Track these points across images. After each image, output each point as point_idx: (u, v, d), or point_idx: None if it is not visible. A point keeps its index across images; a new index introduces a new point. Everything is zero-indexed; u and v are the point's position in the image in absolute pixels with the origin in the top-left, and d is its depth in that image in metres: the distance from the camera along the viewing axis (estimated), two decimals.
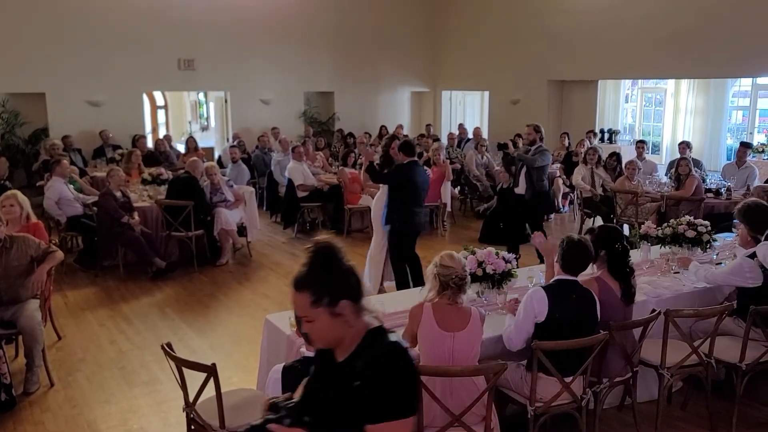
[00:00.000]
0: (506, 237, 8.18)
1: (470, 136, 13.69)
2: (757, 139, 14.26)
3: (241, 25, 13.63)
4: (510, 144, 8.31)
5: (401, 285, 6.22)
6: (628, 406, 4.18)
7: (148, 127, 15.27)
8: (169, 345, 3.36)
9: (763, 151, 11.81)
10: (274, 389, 2.82)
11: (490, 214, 9.64)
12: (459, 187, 11.55)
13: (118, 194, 7.50)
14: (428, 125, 15.16)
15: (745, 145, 9.38)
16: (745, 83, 15.73)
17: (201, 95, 17.63)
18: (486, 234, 9.39)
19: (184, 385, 3.37)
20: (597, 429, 3.86)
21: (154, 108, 17.77)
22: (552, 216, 11.03)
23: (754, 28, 10.45)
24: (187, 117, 18.58)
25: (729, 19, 10.77)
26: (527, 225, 7.62)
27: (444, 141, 13.38)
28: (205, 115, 18.24)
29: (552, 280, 3.72)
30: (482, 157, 11.47)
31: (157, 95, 17.79)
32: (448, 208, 10.30)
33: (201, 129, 17.86)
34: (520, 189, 7.78)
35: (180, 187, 7.79)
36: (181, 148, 12.93)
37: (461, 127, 14.42)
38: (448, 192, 10.02)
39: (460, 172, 11.35)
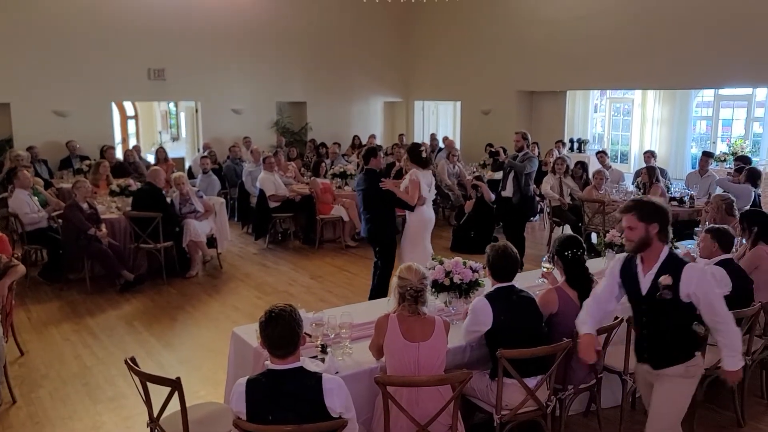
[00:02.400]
0: (478, 246, 8.27)
1: (441, 145, 13.79)
2: (720, 148, 14.64)
3: (212, 34, 13.57)
4: (501, 151, 8.59)
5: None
6: (594, 412, 4.24)
7: (118, 138, 15.07)
8: (132, 359, 3.33)
9: (725, 160, 12.11)
10: (237, 402, 2.80)
11: (462, 224, 9.71)
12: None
13: (85, 206, 7.38)
14: (401, 135, 15.24)
15: (707, 155, 9.62)
16: (708, 94, 16.16)
17: (172, 105, 17.47)
18: (457, 243, 9.47)
19: (148, 400, 3.33)
20: None
21: (124, 118, 17.56)
22: (536, 218, 11.23)
23: (716, 42, 10.74)
24: (157, 127, 18.40)
25: (693, 33, 11.06)
26: (512, 228, 8.23)
27: None
28: (176, 125, 18.08)
29: (491, 289, 3.79)
30: (454, 167, 11.56)
31: (127, 105, 17.58)
32: None
33: (172, 139, 17.70)
34: (507, 192, 8.20)
35: (143, 199, 7.70)
36: (151, 158, 12.79)
37: (433, 137, 14.52)
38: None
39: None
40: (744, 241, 5.01)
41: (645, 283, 3.25)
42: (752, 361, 4.35)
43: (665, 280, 3.14)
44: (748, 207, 6.67)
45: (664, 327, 3.26)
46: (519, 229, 8.28)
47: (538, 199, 11.20)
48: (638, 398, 4.59)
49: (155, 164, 11.02)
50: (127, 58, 12.65)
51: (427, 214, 6.56)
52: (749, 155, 12.52)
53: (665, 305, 3.19)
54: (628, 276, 3.34)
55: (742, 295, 4.31)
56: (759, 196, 8.16)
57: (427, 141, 14.35)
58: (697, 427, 4.15)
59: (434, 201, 11.42)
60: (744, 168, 8.26)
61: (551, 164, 10.07)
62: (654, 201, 3.30)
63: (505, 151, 9.00)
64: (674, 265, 3.18)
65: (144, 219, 7.55)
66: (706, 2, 10.88)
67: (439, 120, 17.94)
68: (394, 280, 3.57)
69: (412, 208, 6.37)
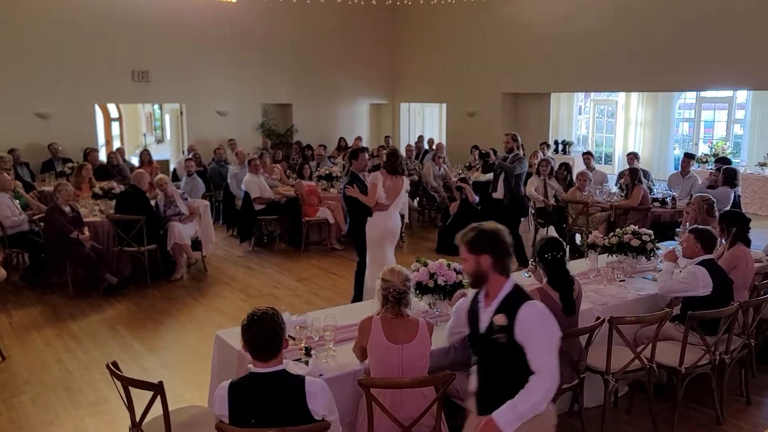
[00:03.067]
0: None
1: (428, 147, 13.83)
2: (702, 150, 14.82)
3: (197, 36, 13.52)
4: (491, 153, 8.68)
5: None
6: (577, 412, 4.26)
7: (102, 140, 14.97)
8: (114, 364, 3.31)
9: (706, 162, 12.25)
10: (220, 406, 2.80)
11: (447, 225, 9.74)
12: (417, 199, 11.66)
13: (67, 209, 7.32)
14: (387, 137, 15.25)
15: (689, 156, 9.71)
16: (690, 96, 16.36)
17: (156, 107, 17.37)
18: (443, 245, 9.49)
19: (130, 405, 3.31)
20: None
21: (108, 120, 17.44)
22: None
23: (698, 46, 10.89)
24: (141, 129, 18.29)
25: (675, 36, 11.20)
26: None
27: (402, 153, 13.46)
28: (161, 128, 17.97)
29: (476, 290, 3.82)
30: (439, 169, 11.59)
31: (111, 107, 17.47)
32: (406, 220, 10.37)
33: (156, 141, 17.60)
34: (498, 194, 8.24)
35: (127, 202, 7.65)
36: (135, 161, 12.70)
37: (420, 139, 14.54)
38: (406, 203, 10.07)
39: (418, 184, 11.45)
40: (723, 241, 5.08)
41: (484, 321, 2.86)
42: (731, 359, 4.41)
43: (499, 320, 2.77)
44: (728, 208, 6.76)
45: (500, 374, 2.84)
46: (513, 229, 8.30)
47: None
48: (620, 398, 4.66)
49: (139, 167, 10.95)
50: (110, 60, 12.56)
51: (385, 222, 6.19)
52: (730, 157, 12.71)
53: (500, 348, 2.78)
54: (472, 311, 2.98)
55: (722, 294, 4.37)
56: (739, 197, 8.27)
57: (414, 143, 14.36)
58: (678, 425, 4.20)
59: (420, 202, 11.65)
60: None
61: (536, 166, 10.14)
62: (489, 229, 2.87)
63: (495, 152, 9.10)
64: (513, 304, 2.78)
65: (128, 222, 7.50)
66: (688, 6, 11.02)
67: (425, 122, 18.00)
68: (378, 283, 3.58)
69: (369, 212, 6.20)
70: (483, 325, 2.86)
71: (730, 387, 4.60)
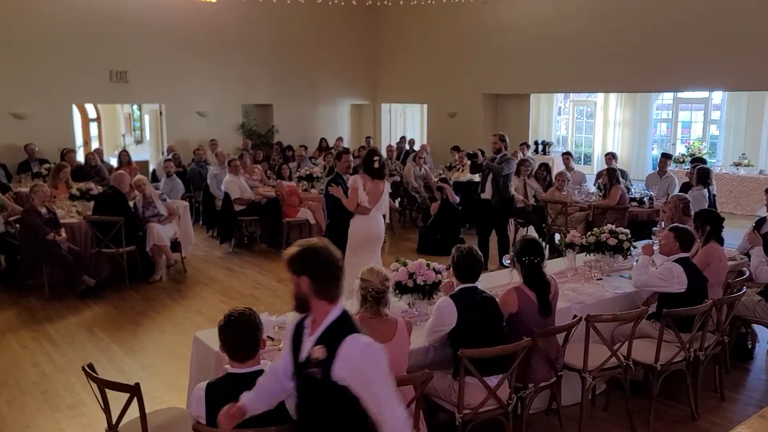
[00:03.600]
0: (444, 247, 8.33)
1: (408, 148, 13.87)
2: (680, 150, 15.04)
3: (176, 36, 13.41)
4: (479, 153, 8.73)
5: None
6: (555, 410, 4.30)
7: (79, 141, 14.79)
8: (90, 366, 3.28)
9: (683, 162, 12.42)
10: (197, 407, 2.79)
11: (428, 226, 9.78)
12: (398, 199, 11.68)
13: (43, 210, 7.23)
14: (368, 138, 15.27)
15: (666, 156, 9.85)
16: (668, 97, 16.59)
17: (135, 107, 17.21)
18: (424, 245, 9.53)
19: (106, 407, 3.28)
20: None
21: (86, 121, 17.24)
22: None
23: (675, 46, 11.04)
24: (120, 130, 18.10)
25: (652, 37, 11.35)
26: (495, 228, 8.25)
27: (383, 153, 13.49)
28: (140, 128, 17.81)
29: (456, 289, 3.85)
30: (420, 169, 11.63)
31: (89, 108, 17.27)
32: (387, 220, 10.37)
33: (135, 142, 17.42)
34: (487, 194, 8.23)
35: (107, 203, 7.57)
36: (114, 162, 12.57)
37: (402, 140, 14.57)
38: (387, 204, 10.08)
39: (399, 185, 11.47)
40: (698, 239, 5.16)
41: (305, 350, 2.49)
42: (705, 356, 4.48)
43: (316, 352, 2.41)
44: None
45: (315, 414, 2.49)
46: (501, 229, 8.38)
47: None
48: (598, 395, 4.72)
49: (118, 167, 10.85)
50: (88, 60, 12.41)
51: (368, 225, 6.06)
52: (706, 157, 12.91)
53: (314, 385, 2.43)
54: (296, 335, 2.59)
55: (697, 292, 4.44)
56: (714, 196, 8.40)
57: (401, 144, 14.38)
58: (653, 421, 4.26)
59: (401, 203, 11.67)
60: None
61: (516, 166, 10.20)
62: (310, 247, 2.49)
63: (483, 153, 9.15)
64: (335, 335, 2.40)
65: (106, 223, 7.42)
66: (665, 8, 11.17)
67: (406, 122, 18.04)
68: (356, 282, 3.59)
69: (351, 214, 6.14)
70: (303, 354, 2.49)
71: (704, 383, 4.67)
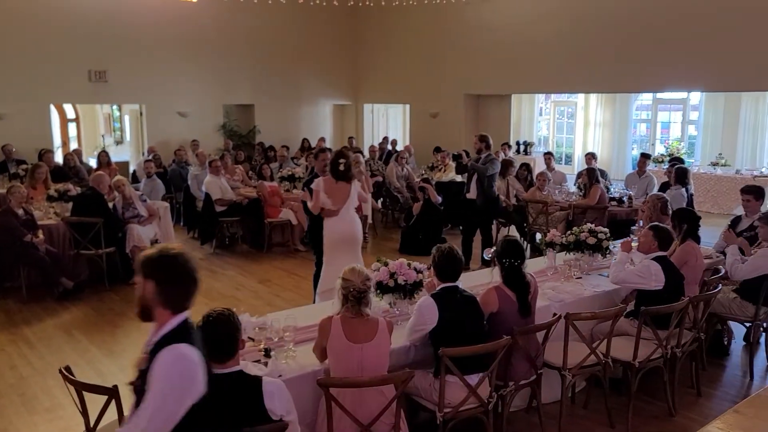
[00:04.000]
0: (426, 247, 8.36)
1: (391, 148, 13.87)
2: (659, 150, 15.22)
3: (156, 36, 13.30)
4: (463, 154, 8.80)
5: None
6: (535, 408, 4.34)
7: (58, 141, 14.60)
8: (67, 368, 3.24)
9: (662, 161, 12.58)
10: None
11: (411, 226, 9.80)
12: (380, 200, 11.69)
13: (20, 212, 7.14)
14: (350, 138, 15.26)
15: (645, 156, 9.97)
16: (647, 98, 16.80)
17: (115, 108, 17.03)
18: (406, 245, 9.55)
19: (84, 410, 3.25)
20: (504, 431, 4.00)
21: (64, 121, 17.03)
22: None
23: (653, 48, 11.18)
24: (100, 130, 17.90)
25: (631, 38, 11.48)
26: (480, 228, 8.34)
27: (366, 154, 13.50)
28: (120, 129, 17.63)
29: (437, 289, 3.86)
30: (402, 170, 11.64)
31: (68, 108, 17.07)
32: (369, 221, 10.40)
33: (116, 143, 17.24)
34: (472, 194, 8.30)
35: (85, 204, 7.49)
36: (93, 162, 12.43)
37: (384, 140, 14.58)
38: (369, 204, 10.11)
39: (382, 185, 11.48)
40: (675, 238, 5.23)
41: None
42: (682, 353, 4.55)
43: (139, 362, 2.30)
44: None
45: None
46: (486, 229, 8.45)
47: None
48: (578, 392, 4.76)
49: (97, 168, 10.74)
50: (66, 60, 12.26)
51: (339, 226, 5.93)
52: (684, 157, 13.09)
53: (137, 397, 2.28)
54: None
55: (674, 290, 4.50)
56: (692, 195, 8.52)
57: (384, 144, 14.38)
58: (632, 418, 4.31)
59: (383, 203, 11.68)
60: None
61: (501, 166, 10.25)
62: (163, 253, 2.38)
63: (467, 154, 9.23)
64: (163, 345, 2.22)
65: (84, 224, 7.34)
66: (644, 10, 11.30)
67: (388, 123, 18.05)
68: (338, 282, 3.58)
69: (314, 216, 6.09)
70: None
71: (681, 380, 4.73)
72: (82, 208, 7.51)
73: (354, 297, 3.44)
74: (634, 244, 5.11)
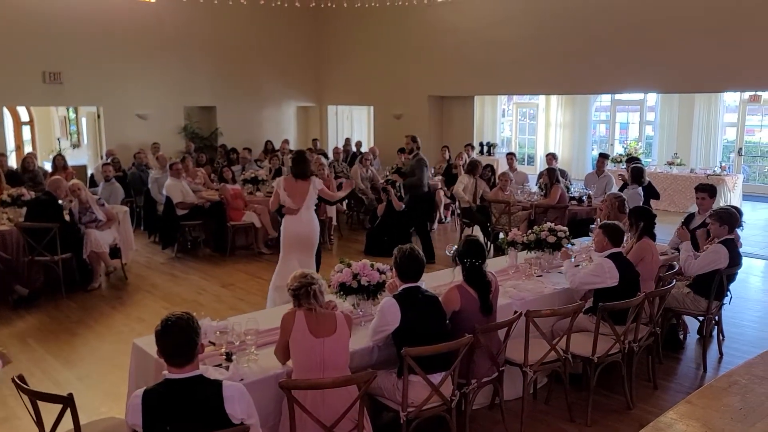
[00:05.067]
0: (391, 249, 8.37)
1: (356, 150, 13.88)
2: (618, 150, 15.57)
3: (114, 36, 13.02)
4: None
5: None
6: (498, 405, 4.39)
7: (11, 145, 14.18)
8: (20, 377, 3.15)
9: (620, 161, 12.86)
10: (133, 415, 2.71)
11: (375, 227, 9.81)
12: (345, 201, 11.66)
13: None
14: (315, 140, 15.20)
15: (604, 156, 10.19)
16: (606, 99, 17.19)
17: (71, 110, 16.61)
18: (371, 246, 9.55)
19: (39, 420, 3.17)
20: (467, 429, 4.03)
21: (18, 124, 16.55)
22: (448, 220, 11.56)
23: (612, 50, 11.42)
24: (55, 133, 17.43)
25: (590, 41, 11.70)
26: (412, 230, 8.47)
27: (330, 155, 13.50)
28: (77, 132, 17.19)
29: (399, 289, 3.89)
30: (367, 171, 11.65)
31: (21, 110, 16.59)
32: (334, 222, 10.39)
33: (72, 146, 16.81)
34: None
35: (40, 209, 7.28)
36: (48, 166, 12.10)
37: (347, 142, 14.58)
38: (333, 206, 10.10)
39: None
40: (631, 235, 5.35)
41: None
42: (639, 347, 4.66)
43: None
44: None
45: None
46: (422, 230, 8.77)
47: (449, 200, 11.52)
48: (539, 389, 4.84)
49: (53, 172, 10.46)
50: (19, 60, 11.90)
51: (295, 226, 6.18)
52: (642, 156, 13.41)
53: None
54: None
55: (629, 286, 4.61)
56: (650, 184, 8.72)
57: (341, 146, 14.39)
58: (592, 412, 4.40)
59: (348, 205, 11.66)
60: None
61: (461, 167, 10.38)
62: None
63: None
64: None
65: (39, 230, 7.14)
66: (603, 15, 11.54)
67: (353, 124, 18.05)
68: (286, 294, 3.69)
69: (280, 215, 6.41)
70: None
71: (638, 373, 4.85)
72: (37, 213, 7.30)
73: (302, 294, 3.48)
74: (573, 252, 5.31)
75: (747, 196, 13.64)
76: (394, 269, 3.99)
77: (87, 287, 7.63)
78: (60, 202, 7.61)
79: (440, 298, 3.98)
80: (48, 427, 3.16)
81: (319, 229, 6.40)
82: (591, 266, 4.80)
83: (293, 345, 3.43)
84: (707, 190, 6.19)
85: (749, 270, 8.28)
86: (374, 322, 3.88)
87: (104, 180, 9.94)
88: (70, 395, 3.01)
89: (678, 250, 5.72)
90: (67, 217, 7.60)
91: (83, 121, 16.15)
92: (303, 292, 3.48)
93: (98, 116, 13.69)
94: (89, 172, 13.15)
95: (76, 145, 16.80)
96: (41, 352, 5.82)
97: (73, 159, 13.78)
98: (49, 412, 3.14)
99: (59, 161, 10.98)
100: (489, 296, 4.08)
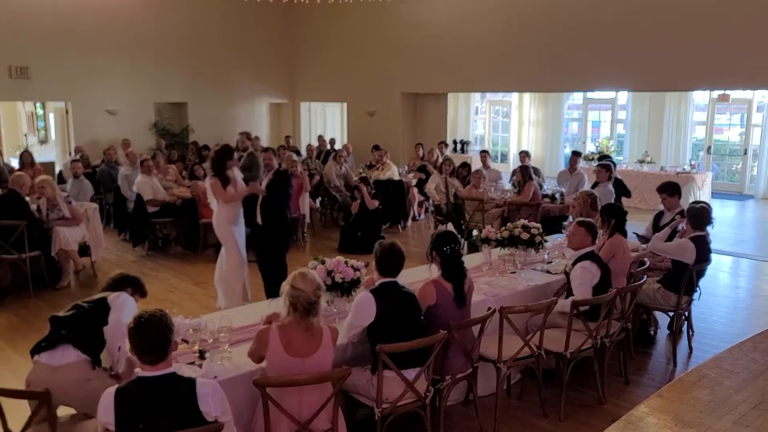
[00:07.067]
0: (365, 245, 8.36)
1: (330, 147, 13.83)
2: (590, 148, 15.77)
3: (82, 31, 12.76)
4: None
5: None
6: (472, 401, 4.41)
7: None
8: None
9: (593, 159, 13.02)
10: (105, 413, 2.66)
11: (349, 225, 9.79)
12: (319, 198, 11.62)
13: None
14: (287, 137, 15.10)
15: (576, 154, 10.30)
16: (578, 98, 17.38)
17: (38, 106, 16.24)
18: (345, 243, 9.53)
19: (3, 420, 3.10)
20: (442, 425, 4.05)
21: None
22: (422, 217, 11.55)
23: (584, 49, 11.57)
24: (22, 129, 17.03)
25: (563, 39, 11.83)
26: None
27: (303, 152, 13.42)
28: (45, 128, 16.82)
29: (376, 284, 3.88)
30: (341, 168, 11.62)
31: None
32: (307, 219, 10.34)
33: (39, 142, 16.44)
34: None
35: (5, 207, 7.09)
36: (15, 163, 11.81)
37: (320, 138, 14.50)
38: (306, 203, 10.06)
39: (320, 184, 11.42)
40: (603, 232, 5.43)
41: None
42: (611, 343, 4.72)
43: None
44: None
45: None
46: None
47: (423, 198, 11.53)
48: (513, 385, 4.88)
49: (20, 169, 10.22)
50: None
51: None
52: (613, 154, 13.60)
53: None
54: None
55: (601, 282, 4.67)
56: (620, 180, 8.86)
57: (315, 143, 14.31)
58: (564, 407, 4.45)
59: (322, 202, 11.61)
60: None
61: (434, 164, 10.42)
62: None
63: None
64: None
65: (5, 228, 6.97)
66: (576, 13, 11.67)
67: (326, 121, 17.98)
68: (284, 285, 3.36)
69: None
70: None
71: (610, 369, 4.91)
72: (2, 210, 7.12)
73: (303, 308, 3.26)
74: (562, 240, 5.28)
75: (716, 194, 13.92)
76: (373, 264, 3.95)
77: (56, 285, 7.48)
78: (27, 198, 7.44)
79: (416, 293, 3.98)
80: (19, 424, 3.10)
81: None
82: (577, 276, 4.66)
83: (269, 362, 3.32)
84: (666, 190, 6.29)
85: (718, 266, 8.44)
86: (349, 317, 3.86)
87: (72, 177, 9.74)
88: (47, 390, 2.97)
89: (646, 239, 5.84)
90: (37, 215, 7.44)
91: (51, 116, 15.81)
92: (308, 308, 3.26)
93: (66, 112, 13.42)
94: (57, 169, 12.87)
95: (43, 142, 16.46)
96: (9, 351, 5.70)
97: (40, 156, 13.48)
98: (20, 411, 3.07)
99: (26, 158, 10.72)
100: (463, 286, 4.08)
